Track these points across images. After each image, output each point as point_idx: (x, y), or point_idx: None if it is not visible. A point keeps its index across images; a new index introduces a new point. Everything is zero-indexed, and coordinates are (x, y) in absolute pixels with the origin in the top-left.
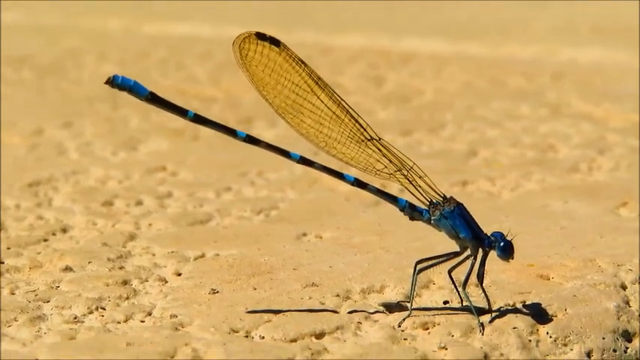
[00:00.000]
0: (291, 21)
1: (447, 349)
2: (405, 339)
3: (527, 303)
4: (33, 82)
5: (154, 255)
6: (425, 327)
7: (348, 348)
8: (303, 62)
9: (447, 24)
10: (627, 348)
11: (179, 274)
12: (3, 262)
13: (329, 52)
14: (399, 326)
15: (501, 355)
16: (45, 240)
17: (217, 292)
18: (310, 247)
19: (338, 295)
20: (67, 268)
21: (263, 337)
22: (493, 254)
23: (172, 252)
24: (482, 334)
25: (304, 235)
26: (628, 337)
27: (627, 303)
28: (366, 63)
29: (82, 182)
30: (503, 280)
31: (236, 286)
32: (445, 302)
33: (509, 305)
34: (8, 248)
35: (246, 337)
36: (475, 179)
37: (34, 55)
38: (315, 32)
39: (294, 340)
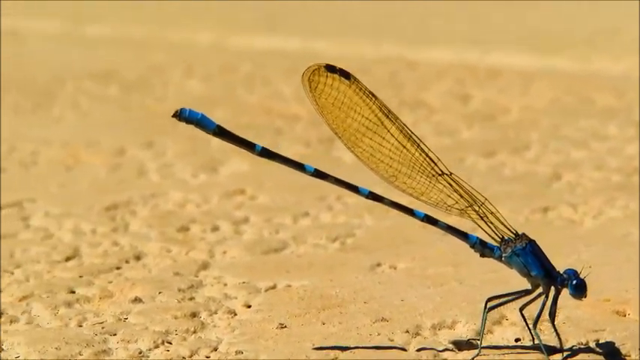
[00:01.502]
0: (377, 33)
1: None
2: None
3: (600, 341)
4: (117, 98)
5: (225, 285)
6: None
7: None
8: (373, 95)
9: (533, 35)
10: None
11: (249, 306)
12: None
13: (415, 67)
14: None
15: None
16: (118, 268)
17: (285, 326)
18: (383, 279)
19: (407, 332)
20: (137, 299)
21: None
22: (566, 292)
23: (244, 282)
24: None
25: (378, 265)
26: None
27: None
28: (453, 79)
29: (160, 206)
30: (578, 316)
31: (305, 320)
32: (517, 340)
33: (581, 344)
34: (80, 276)
35: None
36: (557, 205)
37: (120, 69)
38: (401, 45)
39: None
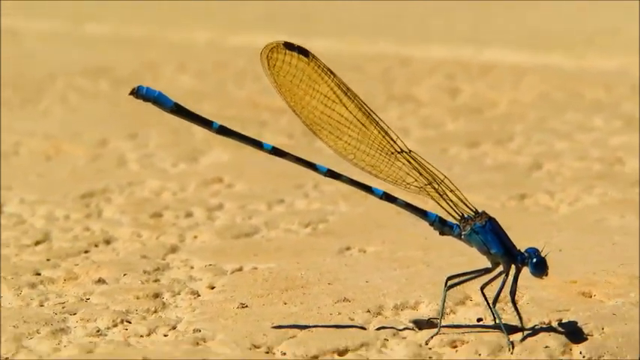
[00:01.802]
0: (374, 32)
1: None
2: (430, 357)
3: (563, 321)
4: (107, 93)
5: (192, 268)
6: (453, 345)
7: None
8: (332, 72)
9: (532, 35)
10: None
11: (212, 288)
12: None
13: (408, 64)
14: (427, 344)
15: None
16: (86, 252)
17: (246, 306)
18: (351, 262)
19: (369, 311)
20: (100, 281)
21: (284, 354)
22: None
23: (210, 265)
24: (512, 353)
25: (348, 249)
26: None
27: None
28: (444, 74)
29: (136, 194)
30: (543, 297)
31: (267, 300)
32: (479, 320)
33: (544, 323)
34: (48, 260)
35: (267, 352)
36: (534, 193)
37: (114, 66)
38: (397, 43)
39: (315, 357)
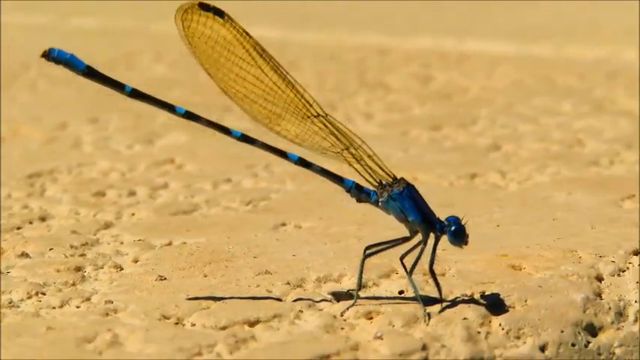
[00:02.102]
0: (358, 24)
1: (382, 338)
2: (342, 328)
3: (485, 293)
4: (77, 80)
5: (121, 243)
6: (369, 316)
7: (278, 336)
8: (247, 34)
9: (517, 27)
10: (589, 342)
11: (136, 262)
12: None
13: (387, 54)
14: (342, 315)
15: (443, 346)
16: (19, 228)
17: (165, 278)
18: (282, 237)
19: (288, 284)
20: (24, 254)
21: (194, 325)
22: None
23: (140, 240)
24: (427, 324)
25: (283, 224)
26: (592, 331)
27: (599, 295)
28: (420, 64)
29: (83, 174)
30: (470, 269)
31: (187, 273)
32: (400, 292)
33: (465, 295)
34: None
35: (177, 324)
36: (486, 172)
37: (91, 56)
38: (380, 35)
39: (224, 328)
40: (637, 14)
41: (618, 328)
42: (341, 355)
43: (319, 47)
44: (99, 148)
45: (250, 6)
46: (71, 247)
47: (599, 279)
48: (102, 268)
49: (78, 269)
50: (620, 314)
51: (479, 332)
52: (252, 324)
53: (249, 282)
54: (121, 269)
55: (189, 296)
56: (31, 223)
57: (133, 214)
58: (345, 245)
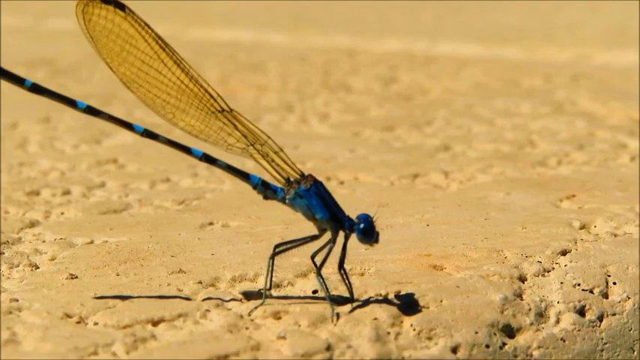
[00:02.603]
0: (333, 25)
1: (285, 338)
2: (247, 328)
3: (400, 293)
4: (42, 82)
5: (43, 242)
6: (277, 316)
7: (179, 336)
8: (149, 27)
9: (493, 30)
10: (505, 344)
11: (53, 260)
12: None
13: (355, 55)
14: (249, 315)
15: (349, 347)
16: None
17: (76, 277)
18: (206, 236)
19: (200, 282)
20: None
21: (97, 324)
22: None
23: (61, 239)
24: (335, 324)
25: (210, 224)
26: (510, 332)
27: (519, 296)
28: (387, 66)
29: (22, 174)
30: (389, 269)
31: (100, 272)
32: (314, 292)
33: (380, 295)
34: None
35: (78, 322)
36: (428, 172)
37: (57, 58)
38: (353, 36)
39: (126, 327)
40: (614, 17)
41: (538, 330)
42: (240, 355)
43: (289, 49)
44: (44, 148)
45: (226, 7)
46: None
47: (523, 279)
48: (17, 266)
49: None
50: (541, 315)
51: (388, 333)
52: (155, 323)
53: (161, 281)
54: (37, 268)
55: (97, 295)
56: None
57: (62, 214)
58: (267, 244)
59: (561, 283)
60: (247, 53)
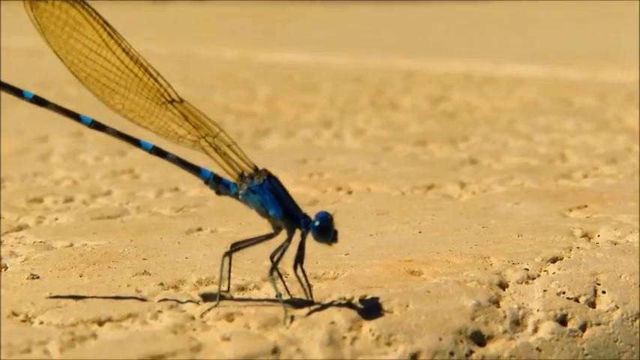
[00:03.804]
0: (396, 47)
1: (230, 340)
2: (194, 329)
3: (365, 298)
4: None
5: (23, 245)
6: (230, 318)
7: (120, 335)
8: (97, 14)
9: (558, 51)
10: (472, 352)
11: (25, 262)
12: None
13: (412, 76)
14: (202, 316)
15: (298, 350)
16: None
17: (37, 277)
18: (187, 241)
19: (162, 284)
20: None
21: (42, 322)
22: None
23: (41, 242)
24: (287, 327)
25: (199, 229)
26: (480, 339)
27: (496, 303)
28: (441, 85)
29: (35, 182)
30: (363, 274)
31: (64, 273)
32: (278, 295)
33: (343, 299)
34: None
35: (23, 321)
36: (444, 184)
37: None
38: (416, 58)
39: (71, 325)
40: None
41: (511, 338)
42: (177, 356)
43: (347, 70)
44: (65, 160)
45: (294, 32)
46: None
47: (503, 286)
48: None
49: None
50: (517, 323)
51: (344, 337)
52: (101, 323)
53: (123, 282)
54: (5, 269)
55: (52, 295)
56: None
57: (56, 219)
58: (247, 249)
59: (544, 290)
60: (304, 74)
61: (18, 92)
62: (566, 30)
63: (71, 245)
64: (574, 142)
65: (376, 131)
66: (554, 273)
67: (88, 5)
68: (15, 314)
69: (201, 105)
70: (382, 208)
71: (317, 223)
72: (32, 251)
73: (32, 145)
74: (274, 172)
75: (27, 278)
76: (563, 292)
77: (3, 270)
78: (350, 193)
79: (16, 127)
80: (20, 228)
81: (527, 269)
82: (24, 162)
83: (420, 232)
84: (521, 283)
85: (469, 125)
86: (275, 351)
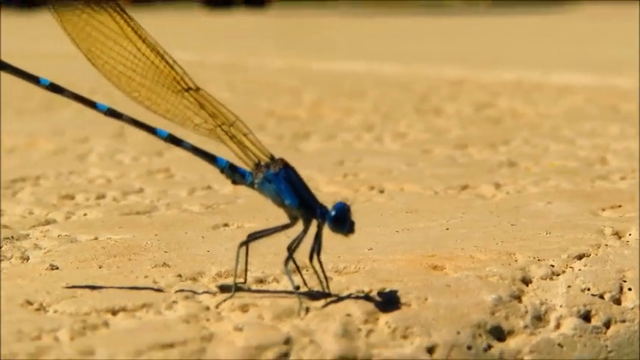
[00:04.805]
0: (448, 56)
1: (242, 330)
2: (207, 319)
3: (383, 291)
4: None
5: (49, 238)
6: (244, 308)
7: (132, 325)
8: (116, 2)
9: (611, 60)
10: (491, 346)
11: (47, 254)
12: None
13: (461, 84)
14: (217, 307)
15: (311, 341)
16: None
17: (57, 268)
18: (212, 235)
19: (180, 276)
20: None
21: (56, 311)
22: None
23: (66, 235)
24: (302, 319)
25: (225, 225)
26: (499, 334)
27: (518, 298)
28: (488, 93)
29: (69, 180)
30: (383, 268)
31: (84, 264)
32: (296, 287)
33: (361, 292)
34: None
35: (38, 309)
36: (480, 184)
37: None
38: (468, 67)
39: (85, 314)
40: None
41: (532, 334)
42: (187, 345)
43: (395, 78)
44: (102, 159)
45: (350, 44)
46: None
47: (526, 282)
48: (10, 259)
49: None
50: (539, 319)
51: (359, 329)
52: (115, 312)
53: (141, 274)
54: (27, 260)
55: (69, 285)
56: None
57: (85, 215)
58: (269, 243)
59: (569, 286)
60: (354, 81)
61: (34, 79)
62: (619, 41)
63: (95, 239)
64: (617, 146)
65: (416, 135)
66: (579, 270)
67: None
68: (29, 303)
69: (245, 110)
70: (412, 207)
71: (333, 213)
72: (56, 244)
73: (71, 145)
74: (311, 172)
75: (46, 269)
76: (588, 289)
77: (23, 261)
78: (382, 192)
79: (56, 128)
80: (48, 222)
81: (553, 265)
82: (61, 161)
83: (447, 229)
84: (546, 279)
85: (512, 130)
86: (287, 341)
